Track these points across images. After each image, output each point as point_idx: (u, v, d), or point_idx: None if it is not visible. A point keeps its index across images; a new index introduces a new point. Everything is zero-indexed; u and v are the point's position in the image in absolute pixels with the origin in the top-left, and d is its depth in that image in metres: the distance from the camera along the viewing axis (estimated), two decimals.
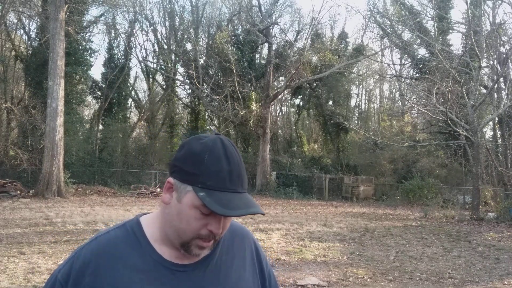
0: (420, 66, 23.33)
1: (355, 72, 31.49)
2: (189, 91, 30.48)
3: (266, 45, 26.95)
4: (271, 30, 25.59)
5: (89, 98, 28.73)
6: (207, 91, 25.41)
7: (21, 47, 24.91)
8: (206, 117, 30.49)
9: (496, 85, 18.88)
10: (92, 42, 39.71)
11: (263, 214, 1.00)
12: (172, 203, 0.98)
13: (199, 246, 0.98)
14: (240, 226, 1.20)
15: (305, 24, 27.03)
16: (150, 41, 41.55)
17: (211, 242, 0.99)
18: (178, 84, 30.77)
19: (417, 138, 23.64)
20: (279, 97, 28.33)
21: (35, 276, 5.83)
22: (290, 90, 28.54)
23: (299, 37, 26.63)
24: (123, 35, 28.68)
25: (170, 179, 0.99)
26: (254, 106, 23.88)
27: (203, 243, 0.98)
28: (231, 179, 0.95)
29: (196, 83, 24.51)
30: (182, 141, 1.08)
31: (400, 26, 24.15)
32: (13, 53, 24.37)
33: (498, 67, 17.61)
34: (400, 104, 31.04)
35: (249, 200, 0.98)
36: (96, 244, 1.02)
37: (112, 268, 0.98)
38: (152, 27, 29.57)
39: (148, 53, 33.27)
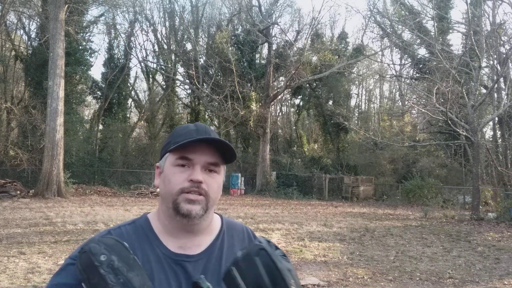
0: (420, 66, 23.33)
1: (355, 72, 31.50)
2: (189, 91, 30.52)
3: (266, 45, 26.96)
4: (271, 30, 25.59)
5: (89, 98, 28.74)
6: (207, 91, 25.41)
7: (21, 47, 24.91)
8: (206, 117, 30.50)
9: (496, 85, 18.89)
10: (92, 42, 39.87)
11: (234, 154, 1.07)
12: (160, 180, 1.09)
13: (187, 200, 1.02)
14: (239, 223, 1.25)
15: (305, 24, 27.08)
16: (150, 41, 41.63)
17: (200, 197, 1.03)
18: (178, 84, 30.79)
19: (417, 138, 23.64)
20: (279, 97, 28.33)
21: (35, 276, 5.82)
22: (290, 90, 28.54)
23: (299, 37, 26.66)
24: (123, 35, 28.72)
25: (157, 164, 1.12)
26: (254, 106, 23.88)
27: (190, 195, 1.02)
28: (197, 132, 1.06)
29: (196, 83, 24.51)
30: None
31: (400, 26, 24.15)
32: (13, 53, 24.36)
33: (498, 67, 17.61)
34: (400, 104, 31.05)
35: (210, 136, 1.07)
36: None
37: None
38: (152, 27, 29.62)
39: (148, 53, 33.39)
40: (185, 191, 1.02)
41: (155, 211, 1.14)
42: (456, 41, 67.82)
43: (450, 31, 24.04)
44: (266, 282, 0.89)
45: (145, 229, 1.08)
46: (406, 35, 24.81)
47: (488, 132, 24.85)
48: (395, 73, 29.85)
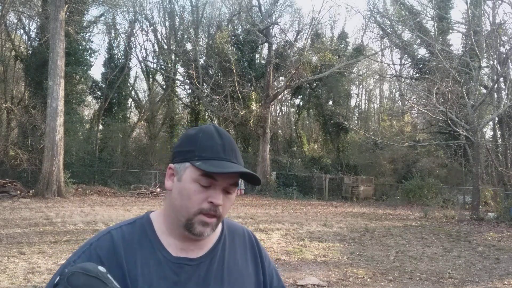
0: (420, 66, 23.32)
1: (355, 72, 31.49)
2: (189, 91, 30.52)
3: (266, 45, 26.95)
4: (271, 30, 25.58)
5: (89, 98, 28.74)
6: (207, 91, 25.41)
7: (21, 47, 24.90)
8: (206, 117, 30.50)
9: (496, 85, 18.88)
10: (92, 42, 39.82)
11: (259, 181, 1.05)
12: (174, 186, 1.04)
13: (202, 222, 1.01)
14: (240, 225, 1.24)
15: (305, 24, 27.04)
16: (150, 41, 41.61)
17: (214, 220, 1.02)
18: (178, 84, 30.79)
19: (417, 138, 23.63)
20: (279, 97, 28.33)
21: (35, 276, 5.83)
22: (290, 90, 28.53)
23: (299, 37, 26.64)
24: (123, 35, 28.72)
25: (171, 165, 1.06)
26: (254, 106, 23.88)
27: (206, 218, 1.01)
28: (224, 151, 1.02)
29: (196, 83, 24.51)
30: None
31: (400, 26, 24.14)
32: (13, 53, 24.36)
33: (498, 67, 17.59)
34: (400, 104, 31.03)
35: (243, 168, 1.03)
36: (110, 239, 1.04)
37: (126, 261, 1.01)
38: (152, 27, 29.61)
39: (148, 53, 33.35)
40: (203, 212, 1.00)
41: (159, 211, 1.12)
42: (456, 41, 67.86)
43: (450, 31, 24.02)
44: None
45: (147, 230, 1.06)
46: (406, 35, 24.82)
47: (488, 132, 24.87)
48: (395, 73, 29.84)
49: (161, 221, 1.08)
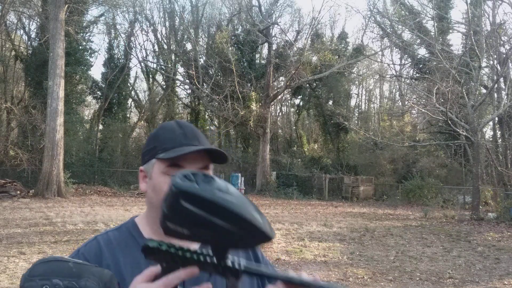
0: (420, 66, 23.32)
1: (355, 72, 31.48)
2: (189, 91, 30.51)
3: (266, 45, 26.94)
4: (271, 30, 25.58)
5: (89, 98, 28.74)
6: (207, 91, 25.41)
7: (21, 47, 24.91)
8: (206, 117, 30.50)
9: (496, 85, 18.88)
10: (92, 42, 39.81)
11: (225, 157, 1.01)
12: (148, 186, 1.05)
13: None
14: None
15: (305, 24, 27.04)
16: (150, 41, 41.64)
17: None
18: (178, 84, 30.79)
19: (417, 138, 23.63)
20: (279, 97, 28.32)
21: None
22: (290, 90, 28.53)
23: (299, 37, 26.64)
24: (123, 35, 28.72)
25: (141, 167, 1.09)
26: (254, 106, 23.88)
27: None
28: (185, 137, 1.02)
29: (196, 83, 24.51)
30: None
31: (400, 26, 24.14)
32: (13, 53, 24.36)
33: (498, 67, 17.60)
34: (400, 104, 31.03)
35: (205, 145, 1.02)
36: (97, 243, 1.04)
37: (113, 263, 1.00)
38: (152, 27, 29.61)
39: (148, 53, 33.35)
40: None
41: (143, 215, 1.11)
42: (456, 41, 67.85)
43: (450, 31, 24.02)
44: None
45: (134, 234, 1.06)
46: (406, 35, 24.82)
47: (488, 132, 24.86)
48: (395, 73, 29.84)
49: (145, 223, 1.08)
